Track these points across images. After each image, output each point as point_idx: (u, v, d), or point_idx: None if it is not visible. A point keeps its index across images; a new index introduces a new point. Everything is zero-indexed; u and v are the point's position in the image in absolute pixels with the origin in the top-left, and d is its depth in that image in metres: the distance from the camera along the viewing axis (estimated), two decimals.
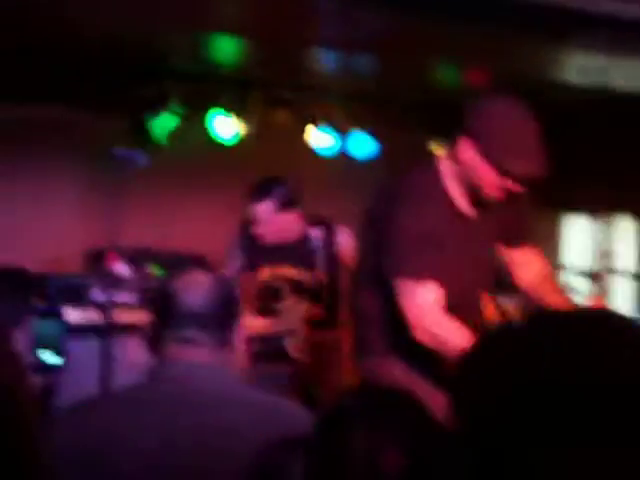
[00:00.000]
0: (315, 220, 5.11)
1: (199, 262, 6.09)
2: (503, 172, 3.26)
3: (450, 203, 3.41)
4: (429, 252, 3.23)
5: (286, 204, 4.89)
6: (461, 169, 3.38)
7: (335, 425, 1.52)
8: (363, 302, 3.57)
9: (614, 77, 6.51)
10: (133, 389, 2.34)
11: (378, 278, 3.40)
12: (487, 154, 3.27)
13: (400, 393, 1.60)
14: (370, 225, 3.50)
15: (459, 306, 3.31)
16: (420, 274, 3.23)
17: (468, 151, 3.32)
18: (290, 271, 4.97)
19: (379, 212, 3.43)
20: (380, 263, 3.37)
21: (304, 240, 5.02)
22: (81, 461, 2.14)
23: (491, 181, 3.30)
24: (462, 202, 3.44)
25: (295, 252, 4.96)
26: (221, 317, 2.33)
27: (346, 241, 4.96)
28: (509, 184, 3.29)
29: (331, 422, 1.55)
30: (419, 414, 1.53)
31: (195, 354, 2.29)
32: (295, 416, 2.26)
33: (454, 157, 3.39)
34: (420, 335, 3.24)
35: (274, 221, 4.87)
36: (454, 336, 3.19)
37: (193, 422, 2.17)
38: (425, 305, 3.23)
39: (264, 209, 4.87)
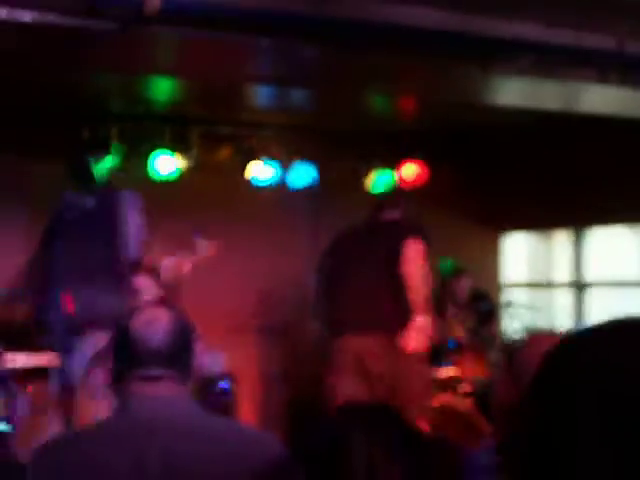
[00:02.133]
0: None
1: None
2: None
3: None
4: None
5: None
6: None
7: (335, 441, 1.59)
8: None
9: (542, 99, 6.72)
10: (105, 424, 2.40)
11: None
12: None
13: (387, 409, 1.69)
14: None
15: None
16: None
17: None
18: None
19: None
20: None
21: None
22: None
23: None
24: None
25: None
26: (182, 353, 2.38)
27: None
28: None
29: (331, 439, 1.62)
30: (406, 428, 1.63)
31: (160, 389, 2.33)
32: (265, 446, 2.29)
33: None
34: None
35: None
36: None
37: (164, 449, 2.22)
38: None
39: None
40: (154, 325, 2.35)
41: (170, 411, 2.31)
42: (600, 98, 6.51)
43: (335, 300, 6.04)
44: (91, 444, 2.28)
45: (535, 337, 2.77)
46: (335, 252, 6.25)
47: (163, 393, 2.33)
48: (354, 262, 5.99)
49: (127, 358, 2.36)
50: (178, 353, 2.36)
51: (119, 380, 2.37)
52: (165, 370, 2.34)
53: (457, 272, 7.73)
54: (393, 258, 5.82)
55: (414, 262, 5.78)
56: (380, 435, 1.58)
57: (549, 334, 3.03)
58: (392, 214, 6.24)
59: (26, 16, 4.00)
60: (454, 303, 7.73)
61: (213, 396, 7.16)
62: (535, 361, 2.50)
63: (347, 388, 5.55)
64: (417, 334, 5.69)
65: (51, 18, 4.00)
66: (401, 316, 5.72)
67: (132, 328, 2.37)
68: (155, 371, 2.33)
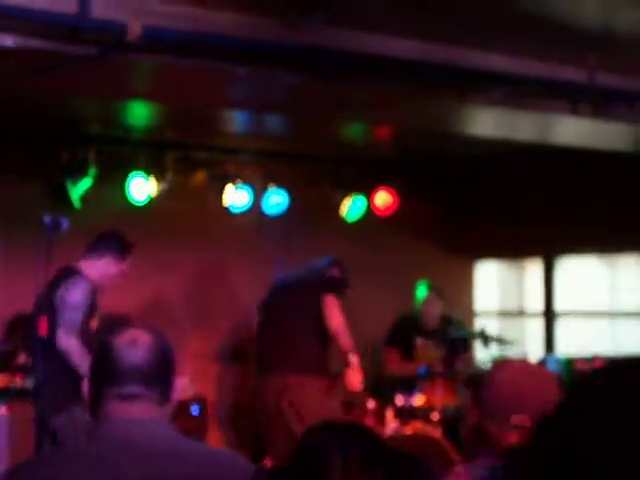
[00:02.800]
0: None
1: (124, 321, 6.17)
2: None
3: None
4: None
5: None
6: None
7: (312, 457, 1.62)
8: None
9: (516, 130, 6.82)
10: (81, 446, 2.35)
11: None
12: None
13: (361, 426, 1.72)
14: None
15: None
16: None
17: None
18: None
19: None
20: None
21: None
22: None
23: None
24: None
25: None
26: (162, 373, 2.34)
27: None
28: None
29: (308, 455, 1.65)
30: (381, 443, 1.66)
31: (137, 410, 2.29)
32: (237, 466, 2.31)
33: None
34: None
35: None
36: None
37: (142, 474, 2.19)
38: None
39: None
40: (136, 344, 2.32)
41: (149, 433, 2.28)
42: (573, 129, 6.61)
43: (263, 341, 6.93)
44: (67, 467, 2.22)
45: (501, 363, 2.82)
46: (271, 297, 7.08)
47: (141, 414, 2.29)
48: (282, 307, 6.89)
49: (106, 375, 2.31)
50: (158, 374, 2.33)
51: (96, 399, 2.32)
52: (145, 390, 2.29)
53: (431, 290, 7.78)
54: (314, 307, 6.65)
55: (334, 313, 6.58)
56: (356, 452, 1.61)
57: (515, 360, 3.09)
58: (332, 271, 7.00)
59: (8, 40, 4.04)
60: (425, 327, 7.77)
61: (183, 420, 7.15)
62: (501, 386, 2.55)
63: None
64: (356, 372, 6.51)
65: (33, 43, 4.04)
66: (319, 357, 6.70)
67: (113, 345, 2.33)
68: (134, 389, 2.29)
